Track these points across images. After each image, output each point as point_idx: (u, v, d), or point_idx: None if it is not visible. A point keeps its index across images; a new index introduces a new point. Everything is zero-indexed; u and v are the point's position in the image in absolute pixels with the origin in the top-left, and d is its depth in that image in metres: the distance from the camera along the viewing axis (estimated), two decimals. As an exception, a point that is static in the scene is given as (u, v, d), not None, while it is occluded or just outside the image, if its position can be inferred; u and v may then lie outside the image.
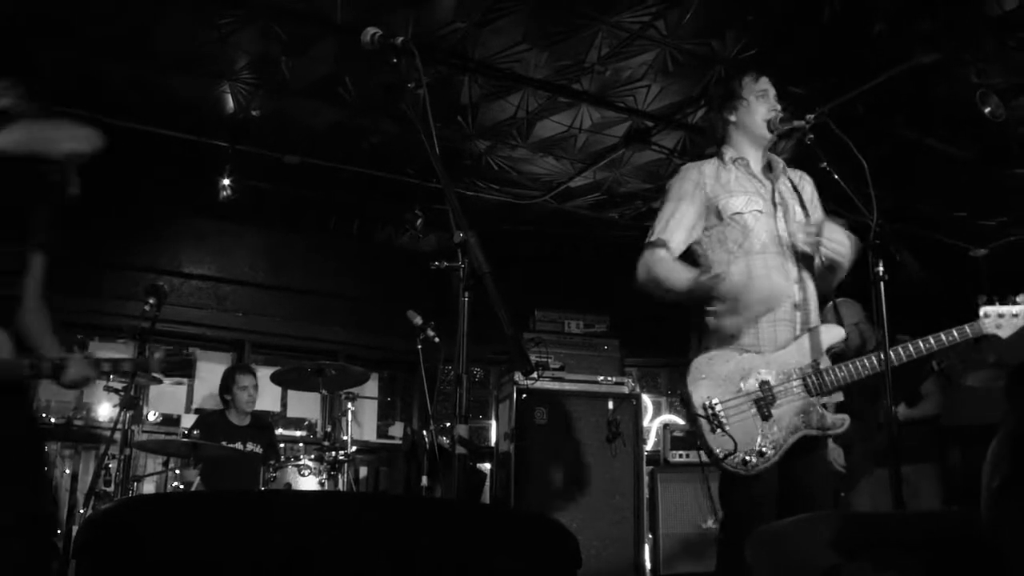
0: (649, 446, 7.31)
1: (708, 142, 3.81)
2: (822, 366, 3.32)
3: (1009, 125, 6.18)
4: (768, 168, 3.64)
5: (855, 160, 3.21)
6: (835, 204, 4.05)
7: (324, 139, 6.90)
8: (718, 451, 3.16)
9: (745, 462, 3.15)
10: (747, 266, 3.38)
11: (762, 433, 3.19)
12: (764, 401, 3.23)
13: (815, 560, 2.04)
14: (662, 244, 3.50)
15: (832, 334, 3.39)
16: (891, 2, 5.10)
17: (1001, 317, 3.31)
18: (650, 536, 6.43)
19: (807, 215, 3.54)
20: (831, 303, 3.83)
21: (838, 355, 3.41)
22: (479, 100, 6.37)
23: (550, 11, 5.30)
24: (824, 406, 3.30)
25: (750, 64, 4.78)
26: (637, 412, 6.32)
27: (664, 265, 3.45)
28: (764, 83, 3.64)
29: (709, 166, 3.62)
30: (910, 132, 6.56)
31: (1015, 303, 3.32)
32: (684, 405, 3.33)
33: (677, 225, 3.52)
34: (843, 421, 3.30)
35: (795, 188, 3.63)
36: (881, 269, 3.08)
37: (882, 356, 3.14)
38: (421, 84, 2.62)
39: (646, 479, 6.36)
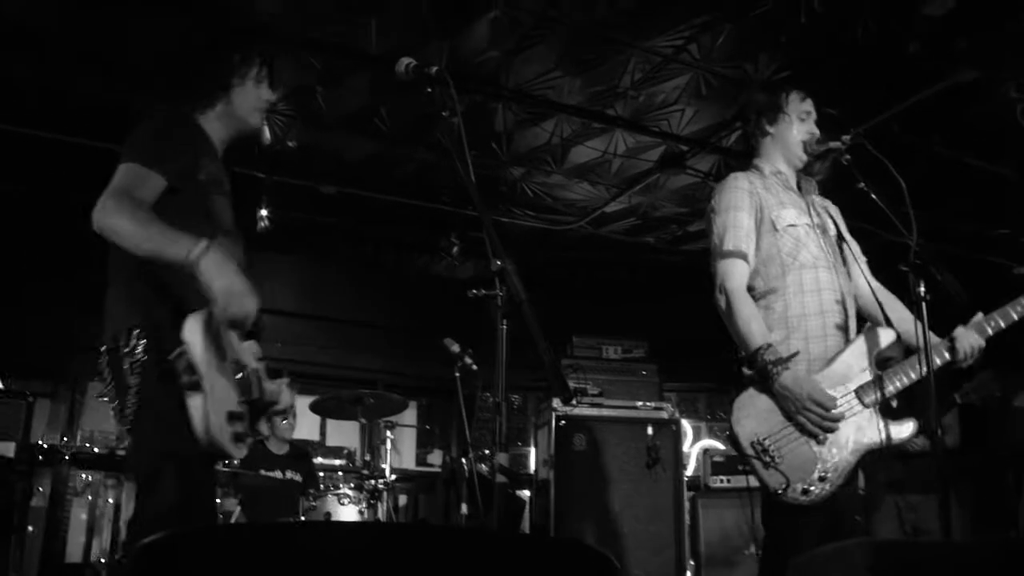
0: (689, 472, 7.25)
1: (746, 142, 3.76)
2: (872, 375, 3.22)
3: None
4: (799, 188, 3.61)
5: (892, 180, 3.18)
6: (873, 225, 4.03)
7: (360, 169, 6.96)
8: (774, 487, 3.06)
9: (806, 491, 3.05)
10: (800, 279, 3.34)
11: (820, 458, 3.10)
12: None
13: None
14: (742, 255, 3.39)
15: (882, 337, 3.30)
16: (926, 21, 5.07)
17: None
18: (692, 563, 6.36)
19: (842, 240, 3.54)
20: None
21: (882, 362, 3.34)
22: (513, 127, 6.40)
23: (583, 37, 5.32)
24: (885, 415, 3.20)
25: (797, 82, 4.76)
26: (677, 437, 6.27)
27: (748, 308, 3.31)
28: (809, 105, 3.61)
29: (754, 176, 3.56)
30: (947, 150, 6.51)
31: None
32: (734, 446, 3.21)
33: (747, 234, 3.40)
34: (910, 429, 3.20)
35: (828, 212, 3.62)
36: (923, 290, 3.03)
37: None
38: (456, 113, 2.64)
39: (687, 505, 6.29)
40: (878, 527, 5.25)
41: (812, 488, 3.05)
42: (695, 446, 7.91)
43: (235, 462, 6.13)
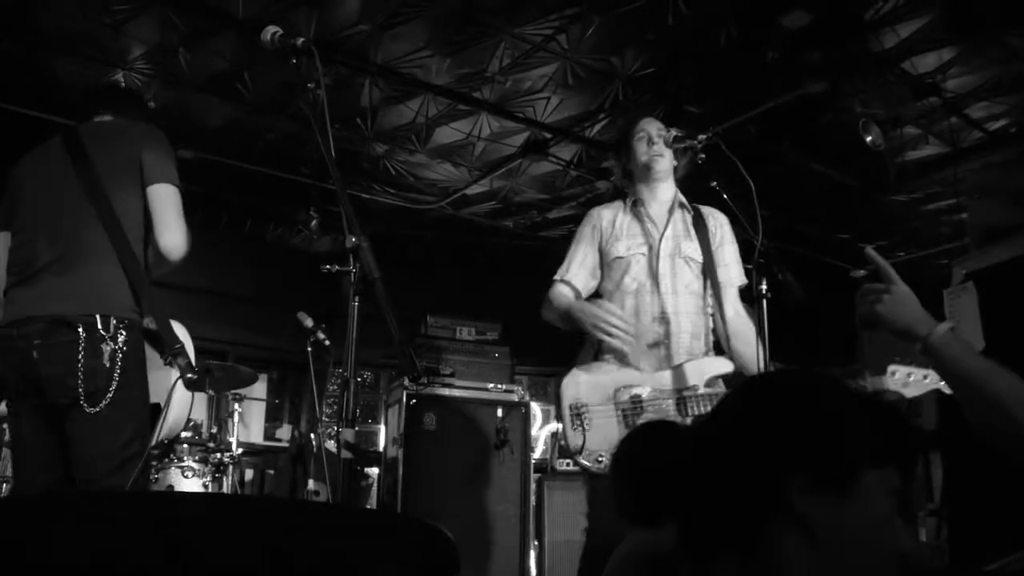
0: (537, 454, 7.36)
1: (621, 186, 4.03)
2: (700, 392, 3.44)
3: (888, 154, 6.45)
4: (670, 209, 3.78)
5: (745, 181, 3.31)
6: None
7: (219, 134, 6.78)
8: (574, 446, 3.40)
9: (598, 461, 3.36)
10: (623, 304, 3.61)
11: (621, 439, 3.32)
12: (630, 412, 3.40)
13: None
14: (565, 283, 3.77)
15: (716, 365, 3.54)
16: (784, 32, 5.27)
17: (909, 376, 3.18)
18: (536, 543, 6.47)
19: (707, 253, 3.70)
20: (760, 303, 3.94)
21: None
22: (379, 104, 6.34)
23: (454, 19, 5.32)
24: None
25: (649, 96, 4.84)
26: (526, 420, 6.35)
27: (565, 300, 3.71)
28: (644, 125, 3.81)
29: (609, 211, 3.83)
30: (797, 156, 6.79)
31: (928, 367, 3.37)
32: (556, 402, 3.57)
33: (579, 267, 3.78)
34: None
35: (701, 227, 3.76)
36: (764, 287, 3.18)
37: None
38: (320, 85, 2.62)
39: (533, 487, 6.39)
40: None
41: (603, 461, 3.36)
42: (543, 429, 8.02)
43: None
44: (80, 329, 2.85)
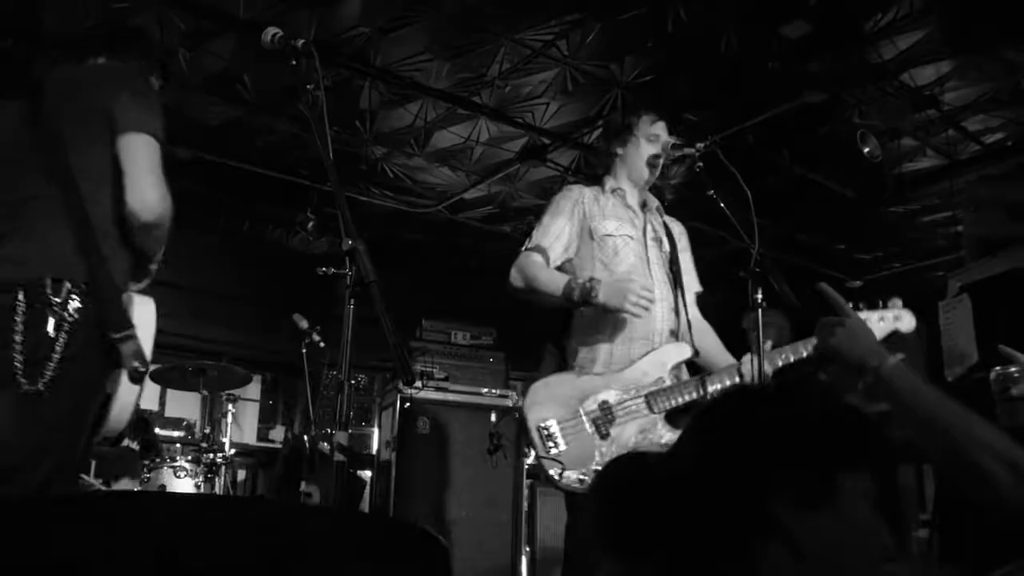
0: (530, 460, 7.35)
1: (596, 166, 3.91)
2: (667, 383, 3.39)
3: (886, 165, 6.46)
4: (643, 206, 3.77)
5: (742, 189, 3.31)
6: (724, 231, 4.17)
7: (218, 135, 6.78)
8: (551, 472, 3.20)
9: (581, 480, 3.21)
10: None
11: (599, 451, 3.26)
12: (602, 420, 3.30)
13: None
14: (540, 251, 3.61)
15: (674, 353, 3.49)
16: (784, 42, 5.28)
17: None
18: (527, 548, 6.46)
19: (674, 254, 3.70)
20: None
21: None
22: (378, 107, 6.35)
23: (455, 23, 5.32)
24: (671, 423, 3.35)
25: (650, 102, 4.85)
26: (519, 425, 6.35)
27: (538, 268, 3.55)
28: (659, 127, 3.72)
29: (590, 190, 3.75)
30: (795, 166, 6.80)
31: (884, 307, 3.40)
32: (520, 427, 3.45)
33: (556, 238, 3.63)
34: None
35: (668, 230, 3.77)
36: (760, 296, 3.18)
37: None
38: (319, 87, 2.62)
39: (525, 492, 6.39)
40: None
41: (586, 478, 3.20)
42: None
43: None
44: (21, 294, 2.45)
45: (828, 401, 1.38)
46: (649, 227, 3.71)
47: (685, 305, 3.67)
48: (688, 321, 3.62)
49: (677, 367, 3.48)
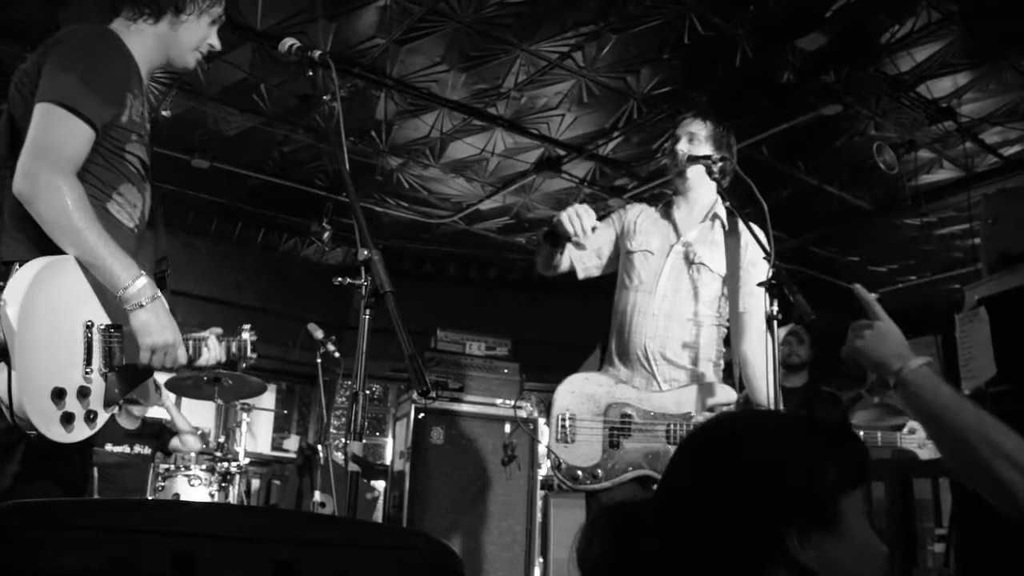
0: (544, 471, 7.33)
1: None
2: (694, 420, 3.30)
3: (901, 177, 6.44)
4: (709, 216, 3.57)
5: (758, 201, 3.29)
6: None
7: (235, 144, 6.81)
8: (552, 458, 3.36)
9: (575, 477, 3.31)
10: (617, 298, 3.58)
11: (604, 457, 3.31)
12: (617, 431, 3.32)
13: None
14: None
15: (721, 395, 3.37)
16: (800, 54, 5.28)
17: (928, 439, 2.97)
18: (541, 559, 6.45)
19: (733, 268, 3.47)
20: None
21: None
22: (394, 117, 6.37)
23: (470, 34, 5.34)
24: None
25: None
26: (533, 436, 6.35)
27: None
28: (695, 125, 3.57)
29: (637, 208, 3.70)
30: (811, 178, 6.79)
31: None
32: (546, 409, 3.54)
33: (594, 236, 3.44)
34: None
35: (727, 239, 3.50)
36: (776, 309, 3.13)
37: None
38: (336, 98, 2.62)
39: (539, 503, 6.38)
40: None
41: (580, 476, 3.31)
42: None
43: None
44: None
45: (816, 424, 1.39)
46: (692, 237, 3.51)
47: (739, 333, 3.45)
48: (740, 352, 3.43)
49: (715, 407, 3.33)
